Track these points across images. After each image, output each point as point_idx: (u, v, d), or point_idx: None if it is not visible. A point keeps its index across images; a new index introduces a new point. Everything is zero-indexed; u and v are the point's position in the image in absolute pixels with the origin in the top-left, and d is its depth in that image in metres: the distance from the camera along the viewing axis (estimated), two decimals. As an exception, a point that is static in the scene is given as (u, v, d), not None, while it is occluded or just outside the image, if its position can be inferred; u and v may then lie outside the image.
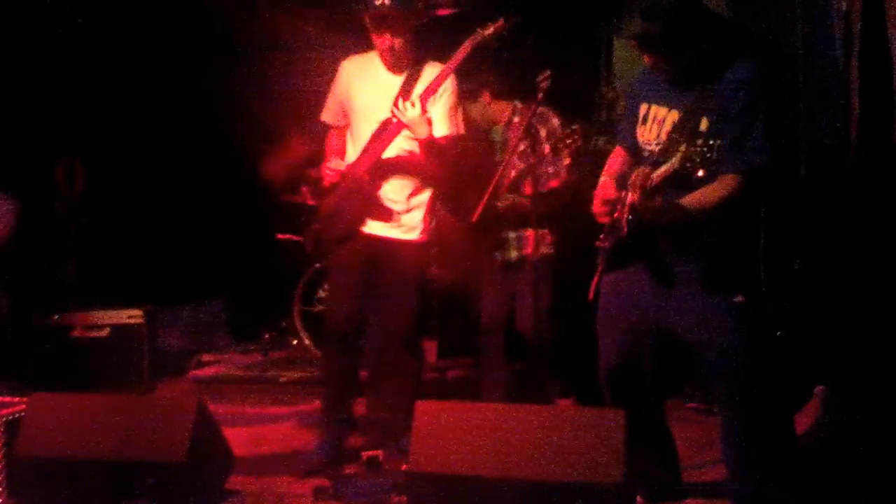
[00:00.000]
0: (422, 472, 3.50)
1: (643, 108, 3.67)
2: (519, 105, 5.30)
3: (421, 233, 4.61)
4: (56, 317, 5.92)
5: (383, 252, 4.55)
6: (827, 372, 4.44)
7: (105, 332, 5.93)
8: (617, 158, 3.86)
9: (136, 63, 6.68)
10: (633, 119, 3.73)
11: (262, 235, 7.13)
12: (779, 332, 4.35)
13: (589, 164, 5.40)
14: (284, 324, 7.19)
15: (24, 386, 5.02)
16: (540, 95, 4.45)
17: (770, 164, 3.39)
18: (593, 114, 6.62)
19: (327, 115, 4.76)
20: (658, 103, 3.61)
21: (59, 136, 6.19)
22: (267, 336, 7.32)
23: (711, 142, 3.21)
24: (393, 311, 4.59)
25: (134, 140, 6.69)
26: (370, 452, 4.33)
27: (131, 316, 5.97)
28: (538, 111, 4.80)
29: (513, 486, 3.38)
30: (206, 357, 6.92)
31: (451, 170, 4.69)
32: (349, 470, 4.36)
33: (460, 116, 4.63)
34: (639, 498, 3.68)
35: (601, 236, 3.78)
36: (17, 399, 4.34)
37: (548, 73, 4.48)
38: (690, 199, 3.42)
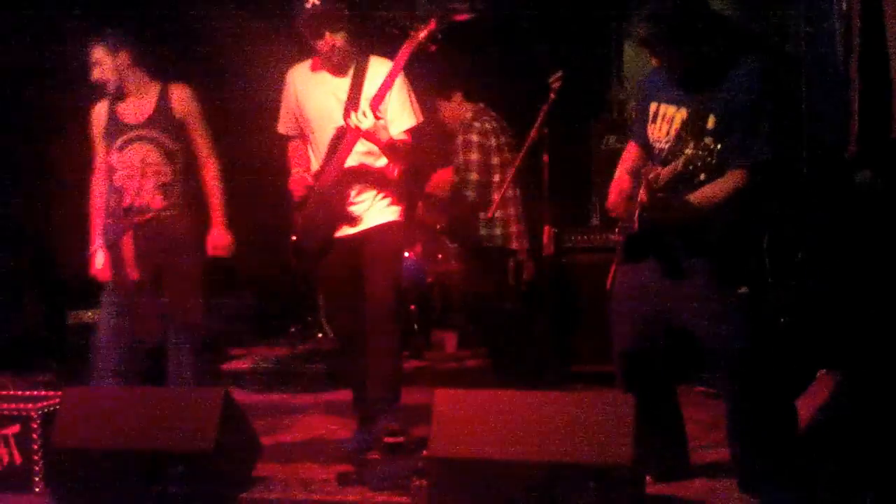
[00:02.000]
0: (441, 457, 3.61)
1: (653, 106, 3.76)
2: (483, 106, 5.40)
3: (393, 214, 4.61)
4: (89, 314, 6.07)
5: (363, 242, 4.55)
6: (829, 358, 4.52)
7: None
8: (630, 154, 3.96)
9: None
10: (643, 117, 3.82)
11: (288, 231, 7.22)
12: (782, 320, 4.45)
13: (602, 163, 5.53)
14: (309, 318, 7.33)
15: (59, 380, 5.17)
16: (552, 96, 4.53)
17: (775, 160, 3.50)
18: (604, 114, 6.70)
19: (283, 127, 4.76)
20: (667, 102, 3.70)
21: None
22: (293, 330, 7.45)
23: (713, 146, 3.33)
24: (374, 284, 4.52)
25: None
26: (391, 439, 4.41)
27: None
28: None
29: (527, 468, 3.49)
30: (234, 350, 7.06)
31: (414, 159, 4.69)
32: (372, 456, 4.45)
33: (415, 104, 4.58)
34: (648, 477, 3.77)
35: (616, 230, 3.92)
36: (52, 393, 4.48)
37: (560, 73, 4.56)
38: (698, 195, 3.53)
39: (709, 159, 3.34)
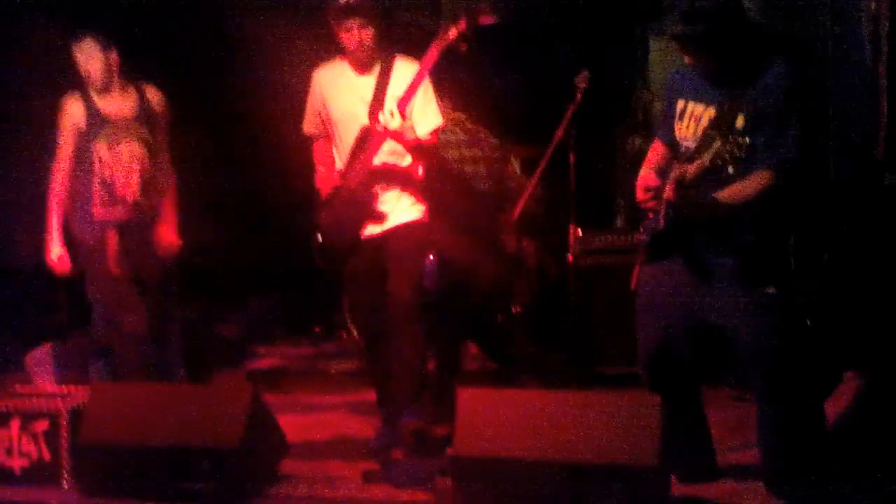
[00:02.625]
0: (465, 456, 3.63)
1: (680, 104, 3.76)
2: (460, 117, 5.40)
3: (418, 213, 4.62)
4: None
5: (387, 240, 4.56)
6: (856, 360, 4.51)
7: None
8: (656, 152, 3.95)
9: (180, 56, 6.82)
10: (670, 115, 3.82)
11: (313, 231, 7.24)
12: (808, 322, 4.43)
13: (627, 165, 5.52)
14: (334, 317, 7.35)
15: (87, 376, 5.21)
16: (578, 96, 4.53)
17: (803, 161, 3.51)
18: (629, 115, 6.69)
19: (309, 127, 4.77)
20: (695, 100, 3.70)
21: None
22: (318, 329, 7.48)
23: (741, 140, 3.33)
24: (397, 281, 4.52)
25: (191, 137, 6.82)
26: (414, 425, 4.43)
27: (188, 310, 6.16)
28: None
29: (552, 468, 3.50)
30: (260, 349, 7.10)
31: (438, 159, 4.73)
32: (397, 454, 4.47)
33: (439, 106, 4.62)
34: (674, 478, 3.76)
35: (640, 229, 3.91)
36: (80, 389, 4.54)
37: (585, 73, 4.57)
38: (725, 193, 3.53)
39: (737, 153, 3.34)
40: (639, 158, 4.19)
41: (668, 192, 3.57)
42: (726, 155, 3.35)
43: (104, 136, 4.90)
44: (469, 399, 3.71)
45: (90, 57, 4.86)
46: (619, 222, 6.38)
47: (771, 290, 3.63)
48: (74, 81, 4.93)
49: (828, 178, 4.91)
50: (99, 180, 4.92)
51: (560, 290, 5.84)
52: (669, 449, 3.50)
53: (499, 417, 3.65)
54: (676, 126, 3.77)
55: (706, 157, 3.41)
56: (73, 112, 4.93)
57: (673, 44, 3.73)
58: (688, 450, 3.91)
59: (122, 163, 4.91)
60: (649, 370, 3.89)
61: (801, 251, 4.11)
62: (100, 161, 4.91)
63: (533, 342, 5.86)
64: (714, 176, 3.49)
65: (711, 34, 3.53)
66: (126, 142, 4.92)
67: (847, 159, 4.88)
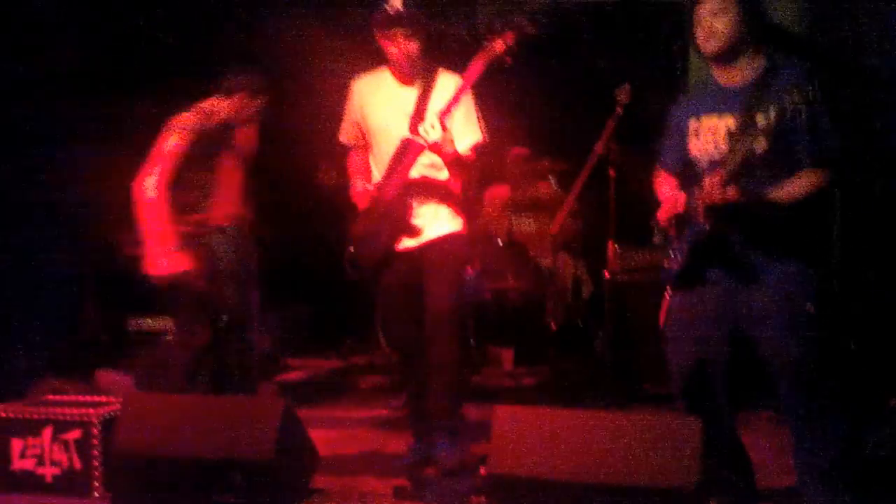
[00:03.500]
0: (500, 475, 3.57)
1: (692, 123, 3.70)
2: None
3: (455, 226, 4.58)
4: (149, 321, 6.13)
5: (424, 253, 4.52)
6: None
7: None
8: (667, 180, 3.87)
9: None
10: (681, 138, 3.75)
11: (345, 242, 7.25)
12: (852, 345, 4.35)
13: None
14: (365, 331, 7.33)
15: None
16: (619, 110, 4.48)
17: (843, 158, 3.46)
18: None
19: (344, 137, 4.72)
20: (708, 113, 3.64)
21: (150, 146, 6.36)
22: (349, 342, 7.47)
23: (767, 137, 3.29)
24: (434, 295, 4.47)
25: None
26: (450, 463, 4.40)
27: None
28: None
29: (589, 489, 3.43)
30: (291, 361, 7.09)
31: (478, 176, 4.68)
32: (429, 471, 4.43)
33: (481, 121, 4.54)
34: (713, 501, 3.70)
35: (667, 259, 3.82)
36: (112, 399, 4.53)
37: (627, 87, 4.52)
38: (772, 193, 3.47)
39: (763, 147, 3.29)
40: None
41: (714, 195, 3.48)
42: (751, 153, 3.30)
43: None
44: (505, 417, 3.66)
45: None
46: (655, 239, 6.30)
47: (810, 309, 3.55)
48: None
49: (872, 193, 4.82)
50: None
51: (595, 307, 5.80)
52: (710, 472, 3.42)
53: (535, 436, 3.59)
54: (693, 145, 3.70)
55: (735, 160, 3.35)
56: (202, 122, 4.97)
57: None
58: (727, 473, 3.83)
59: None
60: (685, 395, 3.81)
61: (845, 269, 4.03)
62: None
63: (568, 358, 5.81)
64: (748, 177, 3.43)
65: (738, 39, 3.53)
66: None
67: (892, 173, 4.79)
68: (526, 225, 6.87)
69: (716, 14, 3.56)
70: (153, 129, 4.89)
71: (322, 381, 6.66)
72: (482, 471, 3.75)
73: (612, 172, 4.85)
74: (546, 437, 3.58)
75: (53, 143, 5.99)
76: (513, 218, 6.93)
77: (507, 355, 6.97)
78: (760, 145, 3.31)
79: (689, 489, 3.34)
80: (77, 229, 5.60)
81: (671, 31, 6.45)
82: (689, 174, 3.73)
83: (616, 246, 5.09)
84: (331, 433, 5.31)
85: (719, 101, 3.63)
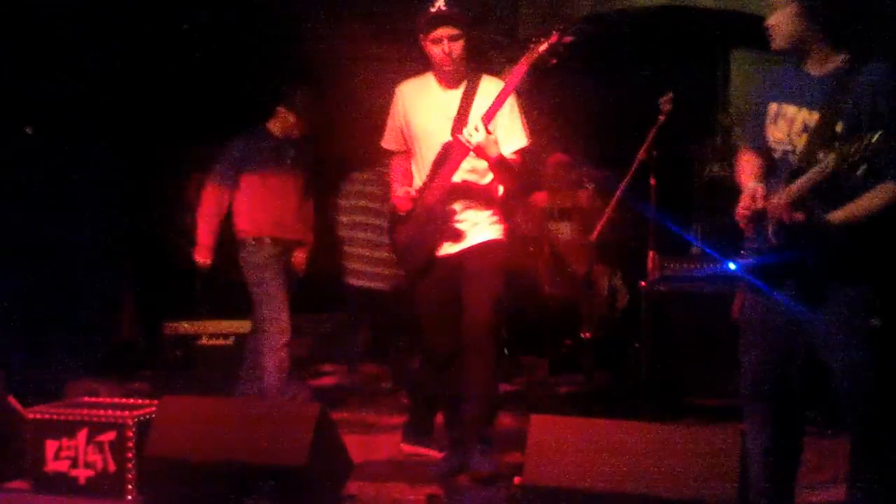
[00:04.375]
0: (535, 485, 3.53)
1: (773, 107, 3.57)
2: None
3: (496, 232, 4.54)
4: (185, 325, 6.16)
5: (464, 259, 4.49)
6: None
7: (230, 341, 6.15)
8: (749, 160, 3.70)
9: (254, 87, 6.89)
10: (760, 119, 3.63)
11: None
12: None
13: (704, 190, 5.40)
14: (401, 338, 7.30)
15: (155, 390, 5.24)
16: (661, 118, 4.44)
17: None
18: (708, 139, 6.57)
19: (388, 142, 4.72)
20: (787, 102, 3.53)
21: (191, 153, 6.41)
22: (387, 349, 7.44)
23: (848, 150, 3.16)
24: (473, 302, 4.44)
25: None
26: (486, 473, 4.36)
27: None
28: None
29: (624, 500, 3.39)
30: (324, 367, 7.08)
31: (522, 180, 4.65)
32: (463, 480, 4.40)
33: (525, 127, 4.51)
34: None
35: (742, 252, 3.72)
36: (147, 402, 4.54)
37: (670, 95, 4.48)
38: (841, 213, 3.36)
39: (867, 153, 3.17)
40: (716, 185, 4.05)
41: (780, 210, 3.39)
42: (856, 156, 3.14)
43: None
44: (541, 426, 3.62)
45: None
46: (694, 249, 6.25)
47: (874, 322, 3.46)
48: None
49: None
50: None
51: (632, 317, 5.75)
52: (749, 484, 3.36)
53: (571, 446, 3.55)
54: (770, 129, 3.58)
55: (829, 162, 3.19)
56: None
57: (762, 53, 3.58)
58: (771, 486, 3.74)
59: None
60: (754, 401, 3.65)
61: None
62: None
63: (603, 369, 5.76)
64: (827, 189, 3.30)
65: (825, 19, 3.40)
66: None
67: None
68: (563, 232, 6.83)
69: (775, 11, 3.47)
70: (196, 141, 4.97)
71: (355, 387, 6.64)
72: (516, 480, 3.70)
73: (652, 181, 4.80)
74: (581, 447, 3.54)
75: (96, 146, 6.05)
76: (550, 225, 6.89)
77: (541, 364, 6.94)
78: (833, 161, 3.21)
79: (728, 502, 3.28)
80: (115, 237, 5.65)
81: (713, 39, 6.41)
82: (770, 160, 3.61)
83: (657, 255, 5.05)
84: (363, 438, 5.30)
85: (800, 90, 3.50)
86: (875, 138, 3.12)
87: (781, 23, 3.47)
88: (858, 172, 3.18)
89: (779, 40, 3.51)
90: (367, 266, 6.32)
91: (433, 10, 4.34)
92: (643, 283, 5.34)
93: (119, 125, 6.16)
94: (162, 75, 6.44)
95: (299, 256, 5.89)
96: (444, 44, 4.36)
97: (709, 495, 3.30)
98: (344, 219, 6.40)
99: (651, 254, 4.91)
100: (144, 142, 6.16)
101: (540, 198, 7.01)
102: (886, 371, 3.47)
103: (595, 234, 4.58)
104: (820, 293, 3.48)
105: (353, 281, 6.38)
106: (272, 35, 6.89)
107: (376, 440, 5.36)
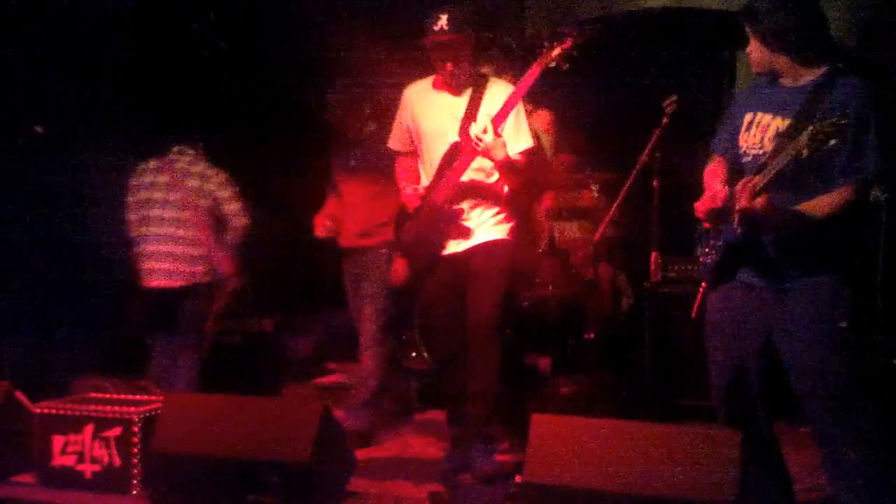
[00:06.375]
0: (536, 483, 3.55)
1: (748, 116, 3.69)
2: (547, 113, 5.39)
3: (502, 232, 4.58)
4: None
5: (470, 258, 4.53)
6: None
7: (237, 339, 6.19)
8: (720, 165, 3.84)
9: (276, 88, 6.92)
10: (734, 128, 3.74)
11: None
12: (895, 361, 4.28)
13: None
14: (405, 336, 7.33)
15: (161, 387, 5.26)
16: (665, 120, 4.46)
17: (882, 175, 3.44)
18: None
19: (394, 143, 4.78)
20: (763, 111, 3.64)
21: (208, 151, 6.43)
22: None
23: (813, 147, 3.24)
24: (478, 300, 4.49)
25: (269, 158, 6.90)
26: (488, 470, 4.39)
27: (263, 325, 6.21)
28: None
29: (624, 500, 3.41)
30: (330, 365, 7.11)
31: (527, 180, 4.68)
32: (465, 478, 4.43)
33: (531, 128, 4.59)
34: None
35: (705, 250, 3.81)
36: (153, 398, 4.57)
37: (674, 97, 4.50)
38: (803, 205, 3.46)
39: (819, 138, 3.24)
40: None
41: (742, 201, 3.47)
42: (818, 138, 3.23)
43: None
44: (542, 425, 3.64)
45: None
46: (697, 251, 6.26)
47: (843, 325, 3.50)
48: None
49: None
50: None
51: (635, 318, 5.76)
52: (748, 486, 3.39)
53: (572, 446, 3.56)
54: (742, 137, 3.69)
55: (803, 139, 3.27)
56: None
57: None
58: (766, 487, 3.79)
59: None
60: (723, 402, 3.78)
61: (888, 290, 3.96)
62: None
63: (605, 369, 5.77)
64: (784, 186, 3.42)
65: (787, 27, 3.53)
66: None
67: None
68: (568, 233, 6.84)
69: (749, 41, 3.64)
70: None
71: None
72: (518, 479, 3.73)
73: (656, 182, 4.82)
74: (583, 446, 3.56)
75: (103, 144, 6.08)
76: (555, 225, 6.91)
77: (543, 364, 6.94)
78: (802, 155, 3.28)
79: (728, 502, 3.31)
80: (124, 229, 5.65)
81: (719, 42, 6.42)
82: (738, 167, 3.71)
83: (659, 256, 5.06)
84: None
85: (777, 100, 3.62)
86: (846, 121, 3.24)
87: (752, 51, 3.66)
88: (832, 143, 3.25)
89: (754, 66, 3.70)
90: (161, 263, 5.45)
91: (435, 32, 4.39)
92: (646, 284, 5.36)
93: (126, 123, 6.17)
94: (171, 74, 6.46)
95: None
96: (447, 66, 4.44)
97: (709, 495, 3.32)
98: (133, 217, 5.58)
99: (654, 254, 4.92)
100: (152, 140, 6.17)
101: (545, 198, 7.03)
102: (856, 375, 3.51)
103: (598, 234, 4.60)
104: (781, 280, 3.57)
105: (149, 282, 5.49)
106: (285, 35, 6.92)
107: (378, 438, 5.38)
